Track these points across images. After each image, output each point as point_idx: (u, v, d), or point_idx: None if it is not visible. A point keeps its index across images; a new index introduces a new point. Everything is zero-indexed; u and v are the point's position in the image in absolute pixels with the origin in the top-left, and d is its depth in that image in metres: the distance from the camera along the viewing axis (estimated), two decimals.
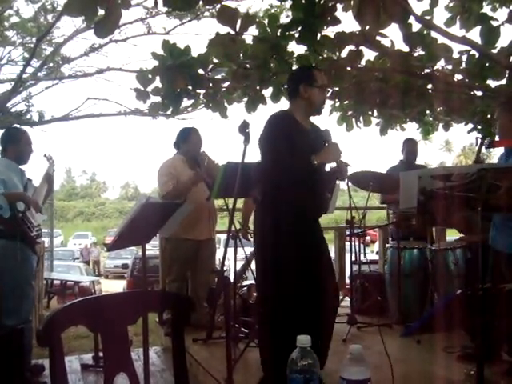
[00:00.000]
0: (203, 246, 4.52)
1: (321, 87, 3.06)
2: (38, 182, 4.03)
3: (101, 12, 2.74)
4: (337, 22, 3.55)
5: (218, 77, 4.15)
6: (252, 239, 4.46)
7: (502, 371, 3.10)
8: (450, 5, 3.87)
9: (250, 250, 4.79)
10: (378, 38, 3.73)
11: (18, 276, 3.60)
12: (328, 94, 4.28)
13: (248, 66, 3.96)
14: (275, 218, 2.96)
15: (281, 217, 2.95)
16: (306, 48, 3.87)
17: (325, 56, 3.94)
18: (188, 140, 4.48)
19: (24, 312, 3.67)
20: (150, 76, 4.07)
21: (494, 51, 3.67)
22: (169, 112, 4.68)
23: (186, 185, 4.29)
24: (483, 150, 3.45)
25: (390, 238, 5.45)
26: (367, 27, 3.46)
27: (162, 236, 4.60)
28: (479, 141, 3.30)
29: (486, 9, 3.82)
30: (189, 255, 4.49)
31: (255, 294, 4.44)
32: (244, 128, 2.62)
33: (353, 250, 4.70)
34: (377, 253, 6.97)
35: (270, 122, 3.00)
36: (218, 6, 3.45)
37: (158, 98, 4.27)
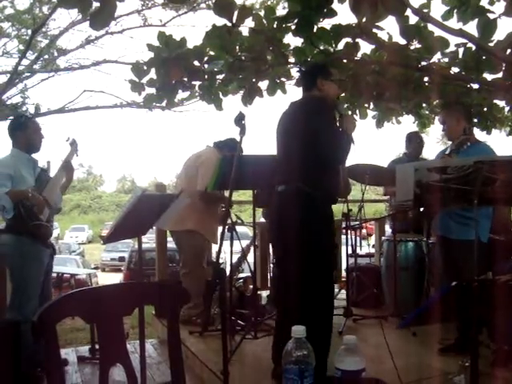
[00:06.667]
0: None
1: (335, 81, 3.23)
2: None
3: (96, 4, 2.72)
4: (333, 14, 3.53)
5: (214, 69, 4.12)
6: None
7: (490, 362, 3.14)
8: None
9: (246, 242, 4.81)
10: (374, 30, 3.71)
11: (24, 273, 3.44)
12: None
13: (244, 58, 3.94)
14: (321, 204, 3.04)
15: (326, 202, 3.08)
16: (302, 40, 3.86)
17: (321, 48, 3.92)
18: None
19: (26, 310, 3.38)
20: (145, 68, 4.05)
21: (491, 44, 3.66)
22: (164, 104, 4.66)
23: None
24: None
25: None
26: (364, 19, 3.45)
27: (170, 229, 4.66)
28: None
29: (484, 2, 3.80)
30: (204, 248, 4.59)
31: (251, 286, 4.45)
32: (240, 120, 2.62)
33: (349, 242, 4.72)
34: (373, 246, 6.97)
35: (320, 106, 3.07)
36: None
37: (153, 90, 4.24)
